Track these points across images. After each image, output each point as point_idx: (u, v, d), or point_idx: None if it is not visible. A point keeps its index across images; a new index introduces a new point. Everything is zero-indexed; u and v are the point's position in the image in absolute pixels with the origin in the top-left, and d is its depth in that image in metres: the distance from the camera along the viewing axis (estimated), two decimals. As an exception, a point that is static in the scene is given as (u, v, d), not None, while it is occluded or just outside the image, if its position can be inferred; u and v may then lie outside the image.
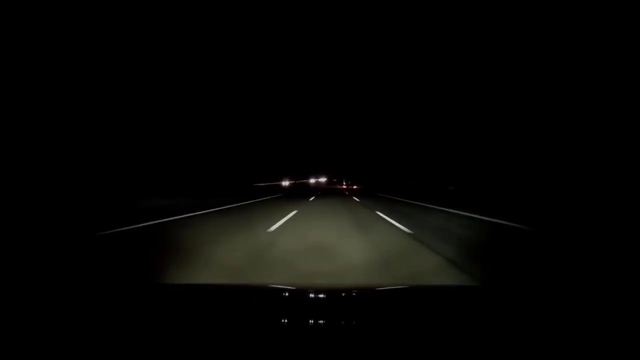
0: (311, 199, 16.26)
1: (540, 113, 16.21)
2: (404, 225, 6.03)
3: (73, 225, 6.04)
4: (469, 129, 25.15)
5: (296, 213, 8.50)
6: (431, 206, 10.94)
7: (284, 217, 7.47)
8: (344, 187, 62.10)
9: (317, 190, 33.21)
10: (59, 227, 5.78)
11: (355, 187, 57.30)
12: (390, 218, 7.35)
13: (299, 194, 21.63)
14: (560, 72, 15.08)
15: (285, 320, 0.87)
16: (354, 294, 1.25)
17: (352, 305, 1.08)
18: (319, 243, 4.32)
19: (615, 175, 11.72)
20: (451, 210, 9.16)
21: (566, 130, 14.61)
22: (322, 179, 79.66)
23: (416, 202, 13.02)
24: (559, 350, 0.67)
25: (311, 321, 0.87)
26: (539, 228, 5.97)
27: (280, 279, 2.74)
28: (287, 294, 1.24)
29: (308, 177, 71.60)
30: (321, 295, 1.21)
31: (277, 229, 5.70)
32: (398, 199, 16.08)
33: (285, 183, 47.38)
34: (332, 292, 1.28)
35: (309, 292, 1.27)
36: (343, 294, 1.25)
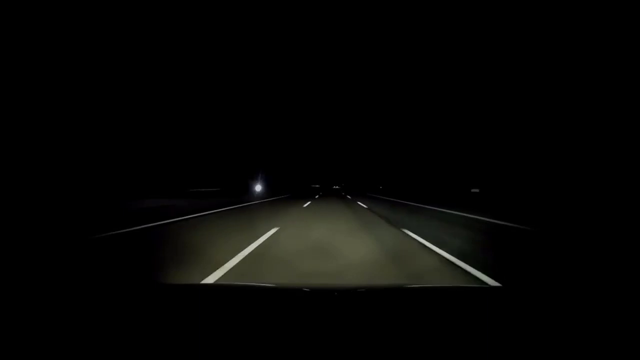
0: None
1: (535, 113, 16.04)
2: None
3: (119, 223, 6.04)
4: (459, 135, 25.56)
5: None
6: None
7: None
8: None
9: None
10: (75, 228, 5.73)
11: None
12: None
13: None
14: (567, 74, 14.92)
15: (286, 321, 0.86)
16: (359, 295, 1.23)
17: (355, 306, 1.05)
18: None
19: (617, 175, 11.55)
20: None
21: (567, 131, 14.50)
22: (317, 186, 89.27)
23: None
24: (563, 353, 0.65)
25: (312, 322, 0.85)
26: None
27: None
28: (287, 294, 1.22)
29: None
30: (323, 296, 1.20)
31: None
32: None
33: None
34: (334, 293, 1.25)
35: (311, 292, 1.25)
36: (346, 295, 1.23)
